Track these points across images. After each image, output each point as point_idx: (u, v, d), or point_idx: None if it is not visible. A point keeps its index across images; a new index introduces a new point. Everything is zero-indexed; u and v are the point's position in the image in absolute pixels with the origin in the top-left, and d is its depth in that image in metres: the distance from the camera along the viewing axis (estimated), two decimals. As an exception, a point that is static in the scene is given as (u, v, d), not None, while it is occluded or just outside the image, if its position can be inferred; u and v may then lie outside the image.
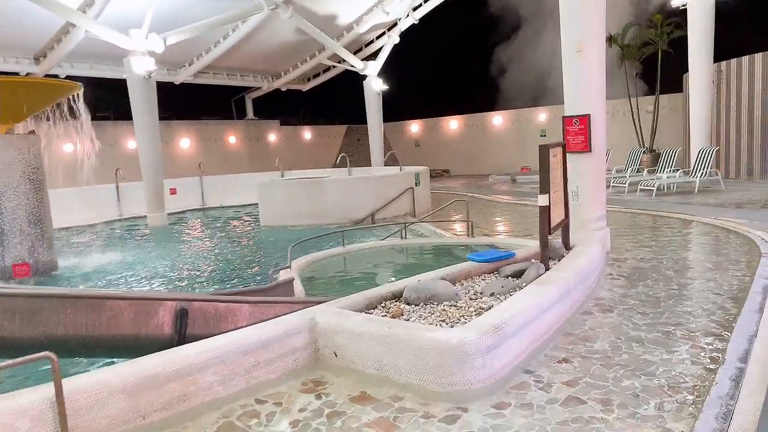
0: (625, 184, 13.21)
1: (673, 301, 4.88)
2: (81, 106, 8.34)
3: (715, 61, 14.24)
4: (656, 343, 3.94)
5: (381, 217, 11.43)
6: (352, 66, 18.79)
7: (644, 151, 17.35)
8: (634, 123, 18.22)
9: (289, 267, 6.22)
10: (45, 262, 7.77)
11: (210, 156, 20.99)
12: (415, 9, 18.43)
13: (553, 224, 5.37)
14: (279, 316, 4.12)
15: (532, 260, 5.44)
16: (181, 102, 22.27)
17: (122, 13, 13.13)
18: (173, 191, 16.72)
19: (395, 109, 25.89)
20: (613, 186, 13.66)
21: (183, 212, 15.78)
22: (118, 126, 18.47)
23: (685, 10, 14.02)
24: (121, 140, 18.68)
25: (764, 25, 20.08)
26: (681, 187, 12.95)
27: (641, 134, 18.13)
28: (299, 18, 16.16)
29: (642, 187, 12.64)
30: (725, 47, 14.86)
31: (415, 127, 25.57)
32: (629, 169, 14.93)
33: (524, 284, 4.72)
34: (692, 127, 14.14)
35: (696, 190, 12.21)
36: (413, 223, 9.67)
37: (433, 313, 4.13)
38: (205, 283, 7.28)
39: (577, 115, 6.49)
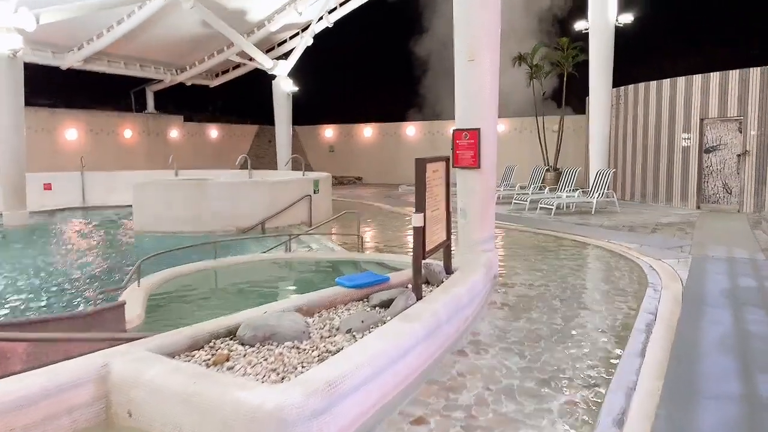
0: (526, 201, 13.15)
1: (555, 338, 4.42)
2: None
3: (614, 86, 14.64)
4: (528, 395, 3.40)
5: (273, 226, 10.52)
6: (261, 64, 17.75)
7: (548, 169, 17.63)
8: (540, 141, 18.51)
9: (125, 287, 5.20)
10: None
11: (101, 150, 19.03)
12: (330, 12, 17.74)
13: (431, 246, 4.79)
14: (73, 357, 3.21)
15: (408, 286, 4.83)
16: (71, 89, 20.05)
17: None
18: (48, 186, 14.91)
19: (311, 113, 25.02)
20: (514, 203, 13.58)
21: (56, 210, 14.06)
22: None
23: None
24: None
25: (658, 56, 21.25)
26: (580, 207, 13.07)
27: (546, 153, 18.44)
28: (203, 9, 14.95)
29: (542, 206, 12.61)
30: (625, 74, 15.35)
31: (330, 132, 24.80)
32: (532, 186, 14.99)
33: (389, 318, 4.07)
34: (591, 148, 14.42)
35: (593, 211, 12.32)
36: (298, 235, 8.86)
37: (267, 359, 3.35)
38: (22, 307, 6.05)
39: (467, 129, 6.00)
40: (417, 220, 4.41)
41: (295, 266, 7.59)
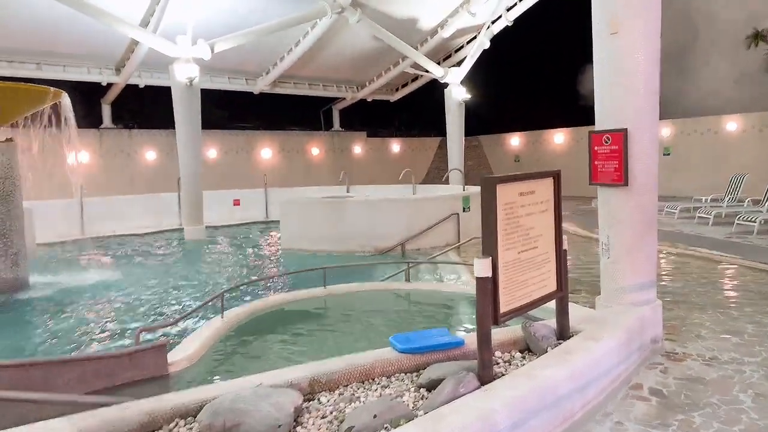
0: (756, 222, 9.82)
1: (714, 479, 2.58)
2: (68, 114, 7.75)
3: None
4: None
5: (415, 247, 9.59)
6: (432, 73, 17.08)
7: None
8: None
9: (167, 324, 4.73)
10: (7, 280, 7.15)
11: (292, 167, 20.49)
12: (508, 9, 16.22)
13: (516, 303, 3.30)
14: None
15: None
16: (268, 113, 22.13)
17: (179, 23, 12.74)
18: (236, 202, 16.31)
19: (495, 121, 23.64)
20: (738, 224, 10.31)
21: (240, 225, 15.20)
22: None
23: None
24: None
25: None
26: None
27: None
28: (370, 22, 14.84)
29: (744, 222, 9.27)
30: None
31: (516, 140, 22.99)
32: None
33: (421, 412, 2.76)
34: None
35: None
36: (419, 263, 7.72)
37: (201, 469, 2.37)
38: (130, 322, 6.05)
39: (609, 131, 4.25)
40: (481, 268, 2.99)
41: (406, 299, 6.52)
